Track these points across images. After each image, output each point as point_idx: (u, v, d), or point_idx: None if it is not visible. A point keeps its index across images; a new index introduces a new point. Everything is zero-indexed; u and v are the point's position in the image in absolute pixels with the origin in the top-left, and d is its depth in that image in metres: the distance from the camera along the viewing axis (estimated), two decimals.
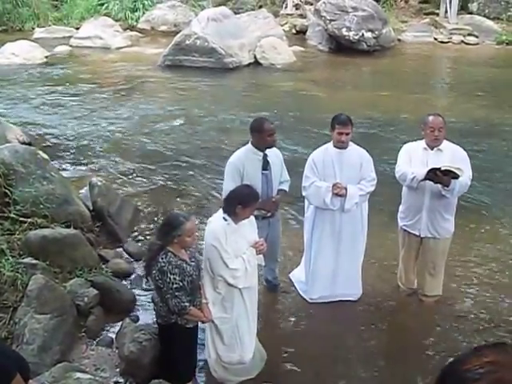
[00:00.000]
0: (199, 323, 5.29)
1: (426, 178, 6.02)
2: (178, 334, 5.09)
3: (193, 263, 5.02)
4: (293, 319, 6.55)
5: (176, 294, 4.82)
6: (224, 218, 5.21)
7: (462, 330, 6.32)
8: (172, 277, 4.80)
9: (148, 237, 7.93)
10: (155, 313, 5.33)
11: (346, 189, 6.27)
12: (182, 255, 4.94)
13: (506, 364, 1.47)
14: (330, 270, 6.60)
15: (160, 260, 4.84)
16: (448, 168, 5.89)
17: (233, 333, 5.34)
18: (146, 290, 6.82)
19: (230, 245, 5.17)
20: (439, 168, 5.90)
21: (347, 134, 6.26)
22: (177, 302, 4.83)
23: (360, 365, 5.89)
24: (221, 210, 5.32)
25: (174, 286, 4.80)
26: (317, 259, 6.61)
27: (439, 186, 6.06)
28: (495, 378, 1.45)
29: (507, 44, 20.39)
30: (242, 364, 5.43)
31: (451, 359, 1.60)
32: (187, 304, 4.88)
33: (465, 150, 6.37)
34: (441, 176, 5.94)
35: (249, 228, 5.44)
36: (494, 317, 6.52)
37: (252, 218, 5.49)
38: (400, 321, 6.61)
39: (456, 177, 5.93)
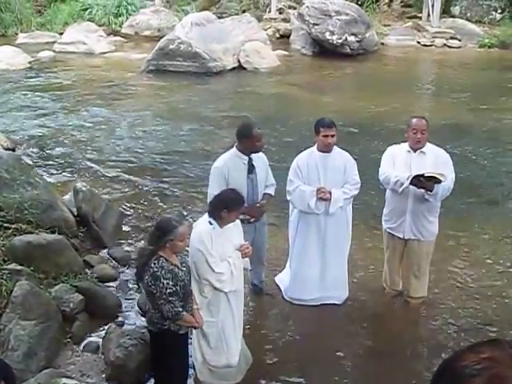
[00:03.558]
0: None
1: (409, 184, 6.08)
2: (171, 341, 5.04)
3: (184, 268, 5.00)
4: (279, 322, 6.56)
5: (169, 299, 4.78)
6: (209, 221, 5.22)
7: (447, 331, 6.35)
8: (165, 282, 4.76)
9: (133, 242, 7.92)
10: (146, 320, 5.29)
11: (330, 193, 6.30)
12: (173, 260, 4.92)
13: (503, 360, 1.49)
14: (316, 273, 6.61)
15: (152, 265, 4.80)
16: (431, 174, 5.96)
17: (219, 336, 5.34)
18: (131, 294, 6.81)
19: (216, 249, 5.17)
20: (422, 174, 5.96)
21: (332, 136, 6.29)
22: (170, 308, 4.80)
23: (346, 367, 5.91)
24: (206, 214, 5.33)
25: (168, 291, 4.77)
26: (302, 263, 6.63)
27: (422, 190, 6.11)
28: (493, 374, 1.47)
29: (489, 47, 20.54)
30: (228, 367, 5.43)
31: (447, 356, 1.62)
32: (180, 309, 4.86)
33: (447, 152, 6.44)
34: (424, 182, 6.00)
35: (234, 232, 5.45)
36: (479, 318, 6.56)
37: (238, 221, 5.50)
38: (385, 322, 6.65)
39: (439, 182, 5.99)
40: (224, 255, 5.25)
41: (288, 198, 6.55)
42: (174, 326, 4.97)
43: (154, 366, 5.36)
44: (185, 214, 8.55)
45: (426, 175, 5.96)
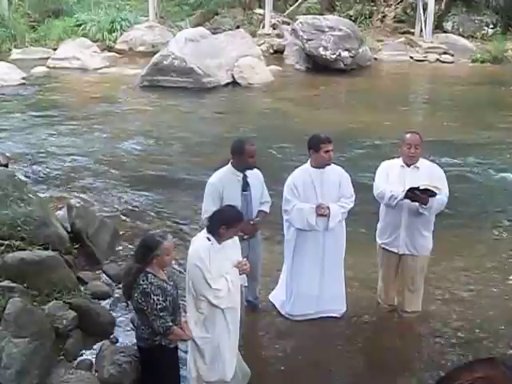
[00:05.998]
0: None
1: (404, 197, 6.08)
2: (163, 356, 5.04)
3: (171, 282, 5.03)
4: (275, 337, 6.52)
5: (161, 314, 4.81)
6: (208, 237, 5.21)
7: (441, 346, 6.34)
8: (156, 298, 4.79)
9: (128, 258, 7.87)
10: (136, 337, 5.26)
11: (328, 208, 6.30)
12: (161, 276, 4.94)
13: (497, 379, 1.48)
14: (315, 289, 6.57)
15: (141, 282, 4.82)
16: (426, 187, 5.97)
17: (214, 353, 5.30)
18: (124, 311, 6.76)
19: (214, 265, 5.15)
20: (417, 187, 5.97)
21: (332, 150, 6.32)
22: (162, 323, 4.82)
23: (342, 382, 5.89)
24: (204, 230, 5.32)
25: (158, 306, 4.79)
26: (301, 280, 6.57)
27: (417, 204, 6.11)
28: None
29: (482, 62, 20.69)
30: (222, 382, 5.39)
31: (442, 374, 1.61)
32: (171, 324, 4.88)
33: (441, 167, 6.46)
34: (419, 195, 6.01)
35: (232, 248, 5.43)
36: (474, 333, 6.55)
37: (236, 238, 5.49)
38: (380, 337, 6.64)
39: (433, 195, 6.00)
40: (222, 271, 5.22)
41: (285, 217, 6.52)
42: (164, 341, 4.98)
43: (145, 383, 5.32)
44: (178, 230, 8.54)
45: (421, 188, 5.97)
